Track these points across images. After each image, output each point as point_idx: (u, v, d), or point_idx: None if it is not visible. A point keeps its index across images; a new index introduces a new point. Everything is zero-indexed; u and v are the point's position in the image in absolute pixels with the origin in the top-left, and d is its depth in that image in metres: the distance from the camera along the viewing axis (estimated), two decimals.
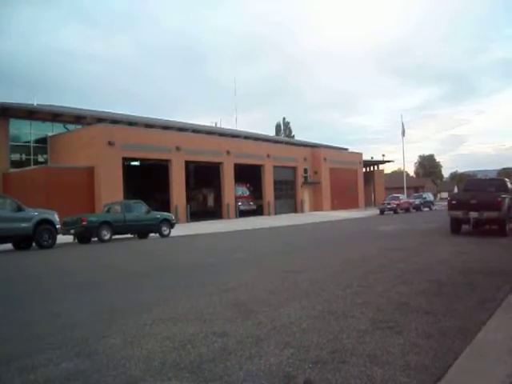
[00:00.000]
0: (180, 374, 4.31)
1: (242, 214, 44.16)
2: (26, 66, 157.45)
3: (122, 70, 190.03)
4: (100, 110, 47.37)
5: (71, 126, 40.19)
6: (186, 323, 6.11)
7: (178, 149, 37.76)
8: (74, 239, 23.05)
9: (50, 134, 39.08)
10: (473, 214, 18.19)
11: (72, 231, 22.48)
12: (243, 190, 46.02)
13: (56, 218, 20.77)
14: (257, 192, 47.50)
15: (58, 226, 20.75)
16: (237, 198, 44.11)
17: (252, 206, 46.55)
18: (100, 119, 40.43)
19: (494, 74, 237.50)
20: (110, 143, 33.30)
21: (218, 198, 44.07)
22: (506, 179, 22.25)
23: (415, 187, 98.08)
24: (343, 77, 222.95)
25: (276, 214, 46.69)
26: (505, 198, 18.01)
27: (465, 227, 19.47)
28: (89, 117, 40.92)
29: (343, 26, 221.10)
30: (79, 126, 39.76)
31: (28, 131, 38.39)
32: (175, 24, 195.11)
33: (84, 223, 22.19)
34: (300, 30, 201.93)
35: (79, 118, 40.65)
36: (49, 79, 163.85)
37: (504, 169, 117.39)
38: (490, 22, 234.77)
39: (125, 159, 35.99)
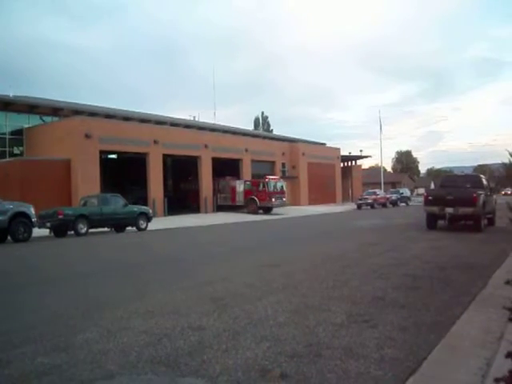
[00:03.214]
0: (156, 367, 4.31)
1: (265, 209, 40.95)
2: (5, 56, 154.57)
3: (100, 62, 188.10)
4: (77, 102, 46.78)
5: (48, 118, 39.66)
6: (162, 317, 6.10)
7: (155, 142, 37.50)
8: (50, 232, 22.80)
9: (26, 125, 38.52)
10: (448, 210, 18.39)
11: (48, 224, 22.23)
12: (277, 185, 41.57)
13: (32, 211, 20.51)
14: None
15: (33, 219, 20.50)
16: (270, 194, 40.23)
17: (285, 202, 42.43)
18: (77, 111, 39.99)
19: (470, 72, 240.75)
20: (87, 136, 32.94)
21: (196, 192, 43.74)
22: (482, 176, 22.56)
23: (392, 183, 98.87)
24: (323, 73, 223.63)
25: None
26: (480, 194, 18.23)
27: (441, 223, 19.69)
28: (66, 109, 40.47)
29: (323, 23, 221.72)
30: (56, 119, 39.28)
31: (3, 123, 37.73)
32: (156, 17, 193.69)
33: (60, 216, 21.94)
34: (280, 25, 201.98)
35: (56, 110, 40.14)
36: (28, 70, 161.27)
37: (480, 165, 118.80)
38: (468, 21, 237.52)
39: (102, 152, 35.58)
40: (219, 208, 42.75)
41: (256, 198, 40.45)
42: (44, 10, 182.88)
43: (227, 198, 43.13)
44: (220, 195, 43.27)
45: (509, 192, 65.56)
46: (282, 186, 42.31)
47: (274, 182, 41.51)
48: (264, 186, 40.33)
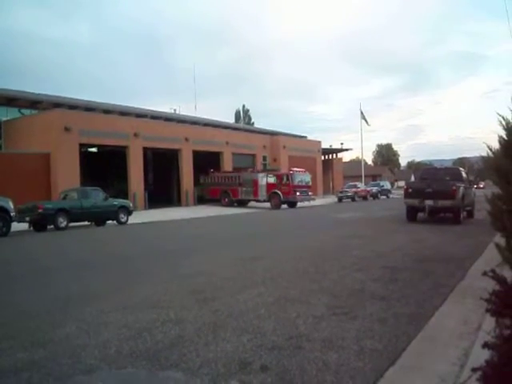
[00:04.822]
0: (136, 361, 4.30)
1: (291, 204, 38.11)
2: None
3: (80, 55, 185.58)
4: (57, 94, 46.17)
5: (27, 111, 39.16)
6: (142, 311, 6.08)
7: (136, 135, 37.23)
8: (30, 227, 22.54)
9: (4, 118, 37.97)
10: (428, 202, 18.56)
11: (27, 219, 21.95)
12: (303, 178, 38.57)
13: (10, 205, 20.23)
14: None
15: (12, 214, 20.24)
16: (295, 188, 37.12)
17: (311, 197, 39.18)
18: (57, 104, 39.45)
19: (450, 66, 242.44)
20: (67, 129, 32.59)
21: (177, 185, 43.47)
22: (461, 168, 22.79)
23: (373, 175, 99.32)
24: (304, 66, 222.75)
25: None
26: (459, 186, 18.41)
27: (420, 215, 19.85)
28: (45, 102, 39.93)
29: (306, 15, 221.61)
30: (35, 111, 38.81)
31: None
32: (135, 7, 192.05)
33: (40, 210, 21.69)
34: (264, 17, 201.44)
35: (35, 103, 39.59)
36: (6, 62, 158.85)
37: (460, 158, 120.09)
38: (449, 16, 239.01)
39: (82, 145, 35.27)
40: (241, 203, 40.65)
41: (279, 192, 37.41)
42: (23, 2, 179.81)
43: (249, 192, 39.80)
44: (241, 189, 40.02)
45: (481, 186, 66.31)
46: (309, 180, 39.74)
47: (300, 174, 38.67)
48: (288, 179, 37.37)
